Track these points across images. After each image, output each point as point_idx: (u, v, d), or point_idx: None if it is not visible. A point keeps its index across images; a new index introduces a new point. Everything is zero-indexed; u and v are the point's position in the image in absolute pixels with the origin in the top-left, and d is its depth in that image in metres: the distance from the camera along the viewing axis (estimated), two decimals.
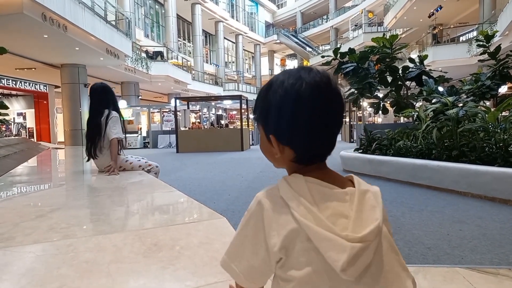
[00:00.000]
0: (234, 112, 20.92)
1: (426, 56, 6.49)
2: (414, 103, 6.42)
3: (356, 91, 6.27)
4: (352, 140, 14.37)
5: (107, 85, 3.59)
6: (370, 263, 0.56)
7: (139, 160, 3.64)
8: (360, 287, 0.56)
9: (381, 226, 0.58)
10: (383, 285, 0.57)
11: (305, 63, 39.18)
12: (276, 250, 0.58)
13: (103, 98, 3.45)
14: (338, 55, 6.12)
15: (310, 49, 37.84)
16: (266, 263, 0.61)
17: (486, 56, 5.92)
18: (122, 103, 17.34)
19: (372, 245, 0.56)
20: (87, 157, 3.51)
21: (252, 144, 14.98)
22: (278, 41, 39.83)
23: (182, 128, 13.65)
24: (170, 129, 15.96)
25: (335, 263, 0.54)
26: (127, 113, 17.06)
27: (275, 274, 0.63)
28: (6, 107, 5.13)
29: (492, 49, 5.90)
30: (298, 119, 0.60)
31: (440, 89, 5.83)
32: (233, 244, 0.65)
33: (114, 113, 3.39)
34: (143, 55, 18.48)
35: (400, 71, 6.13)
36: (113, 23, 13.62)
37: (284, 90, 0.61)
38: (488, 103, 6.52)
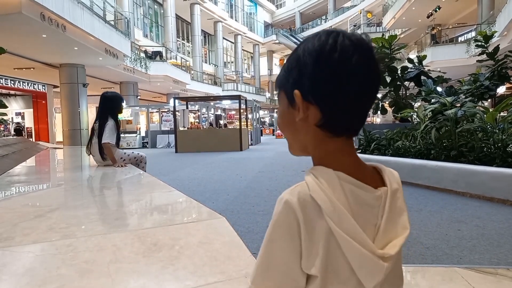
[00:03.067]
0: (233, 112, 20.95)
1: (424, 57, 6.51)
2: (413, 103, 6.43)
3: None
4: None
5: (112, 95, 4.03)
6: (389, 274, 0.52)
7: (133, 153, 4.25)
8: None
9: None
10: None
11: None
12: (318, 266, 0.50)
13: (103, 107, 3.92)
14: None
15: None
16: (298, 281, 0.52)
17: (484, 56, 5.94)
18: None
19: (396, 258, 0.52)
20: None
21: (251, 144, 14.98)
22: (277, 41, 39.85)
23: (181, 128, 13.66)
24: (169, 129, 15.95)
25: (368, 283, 0.50)
26: (125, 113, 17.04)
27: None
28: (5, 106, 5.12)
29: (490, 49, 5.92)
30: (335, 75, 0.51)
31: (439, 89, 5.84)
32: (260, 267, 0.54)
33: (110, 121, 3.85)
34: (142, 55, 18.46)
35: (399, 71, 6.15)
36: (112, 23, 13.60)
37: (329, 46, 0.52)
38: (486, 104, 6.54)
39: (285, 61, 0.59)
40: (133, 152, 4.26)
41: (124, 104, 4.25)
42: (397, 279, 0.56)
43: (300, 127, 0.55)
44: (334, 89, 0.52)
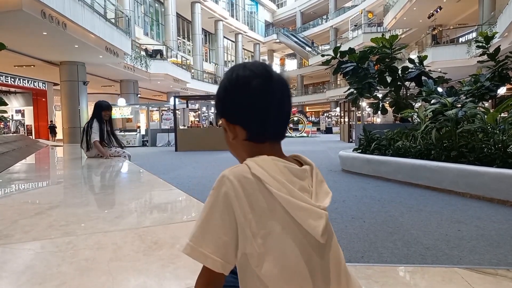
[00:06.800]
0: None
1: (425, 57, 6.51)
2: (414, 104, 6.43)
3: (355, 91, 6.27)
4: (351, 140, 14.37)
5: (99, 103, 5.20)
6: (330, 229, 0.66)
7: (118, 152, 5.38)
8: (326, 250, 0.65)
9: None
10: (339, 246, 0.69)
11: (304, 62, 39.21)
12: (254, 228, 0.60)
13: (94, 112, 5.09)
14: (338, 54, 6.12)
15: (310, 49, 37.85)
16: (235, 240, 0.61)
17: (485, 57, 5.94)
18: (121, 101, 17.30)
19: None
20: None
21: None
22: (277, 40, 39.83)
23: (181, 127, 13.65)
24: (169, 127, 15.92)
25: (316, 230, 0.61)
26: (126, 111, 17.03)
27: (247, 260, 0.62)
28: (5, 104, 5.15)
29: (491, 50, 5.91)
30: (243, 101, 0.67)
31: (440, 89, 5.83)
32: (200, 227, 0.62)
33: (95, 123, 4.96)
34: (143, 53, 18.44)
35: (400, 72, 6.14)
36: (113, 21, 13.58)
37: (232, 78, 0.69)
38: (487, 104, 6.54)
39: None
40: (118, 152, 5.38)
41: (109, 109, 5.22)
42: (331, 234, 0.68)
43: (236, 144, 0.71)
44: (246, 109, 0.67)
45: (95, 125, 4.95)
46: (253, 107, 0.67)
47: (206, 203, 0.63)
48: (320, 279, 0.63)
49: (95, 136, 4.93)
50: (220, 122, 0.73)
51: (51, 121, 19.59)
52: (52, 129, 19.23)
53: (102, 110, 5.15)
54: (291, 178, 0.64)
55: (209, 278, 0.63)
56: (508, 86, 7.53)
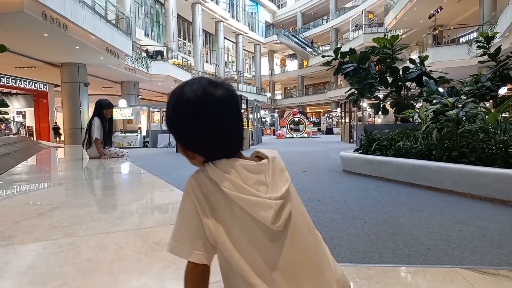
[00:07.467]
0: None
1: (426, 57, 6.50)
2: (414, 104, 6.42)
3: (356, 92, 6.27)
4: (352, 140, 14.36)
5: (100, 101, 5.30)
6: (290, 215, 0.69)
7: (115, 151, 5.54)
8: (287, 238, 0.68)
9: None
10: (304, 231, 0.71)
11: (305, 63, 39.22)
12: (212, 228, 0.67)
13: (95, 110, 5.22)
14: (339, 55, 6.12)
15: (310, 49, 37.86)
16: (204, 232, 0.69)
17: (486, 57, 5.93)
18: (122, 102, 17.32)
19: (288, 199, 0.69)
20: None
21: (252, 144, 14.98)
22: (278, 41, 39.83)
23: None
24: None
25: (266, 219, 0.65)
26: (126, 113, 17.04)
27: (221, 251, 0.70)
28: (7, 105, 5.20)
29: (492, 50, 5.90)
30: (190, 131, 0.70)
31: (441, 90, 5.83)
32: (176, 228, 0.71)
33: (96, 120, 5.09)
34: (143, 54, 18.46)
35: (401, 72, 6.14)
36: (114, 22, 13.61)
37: (172, 108, 0.72)
38: (488, 104, 6.53)
39: None
40: (115, 151, 5.53)
41: (111, 108, 5.38)
42: (302, 217, 0.73)
43: (196, 163, 0.75)
44: (195, 139, 0.70)
45: (97, 123, 5.09)
46: (201, 138, 0.70)
47: (180, 203, 0.71)
48: (282, 267, 0.67)
49: (96, 134, 5.06)
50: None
51: (56, 123, 19.61)
52: (56, 130, 19.26)
53: (103, 108, 5.21)
54: (246, 174, 0.69)
55: (195, 272, 0.70)
56: (509, 86, 7.52)
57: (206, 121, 0.68)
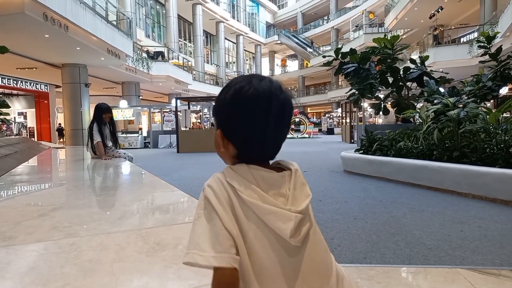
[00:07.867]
0: None
1: (427, 57, 6.50)
2: (415, 104, 6.42)
3: (357, 92, 6.27)
4: (352, 141, 14.35)
5: (98, 105, 5.36)
6: (308, 231, 0.66)
7: (119, 153, 5.60)
8: (301, 252, 0.66)
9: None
10: (320, 248, 0.69)
11: (305, 63, 39.22)
12: (234, 232, 0.63)
13: (94, 115, 5.31)
14: (339, 55, 6.12)
15: (311, 50, 37.85)
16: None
17: (487, 57, 5.92)
18: (122, 103, 17.34)
19: (308, 216, 0.67)
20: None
21: None
22: (278, 41, 39.84)
23: (183, 128, 13.63)
24: (170, 129, 15.94)
25: (284, 231, 0.63)
26: (127, 113, 17.06)
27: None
28: (8, 106, 5.21)
29: (493, 50, 5.90)
30: (240, 120, 0.67)
31: (441, 90, 5.82)
32: (196, 235, 0.63)
33: (95, 126, 5.18)
34: (144, 55, 18.48)
35: (401, 72, 6.13)
36: (114, 23, 13.63)
37: (234, 91, 0.68)
38: (489, 104, 6.52)
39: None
40: (119, 153, 5.62)
41: (108, 112, 5.39)
42: (319, 235, 0.70)
43: (224, 152, 0.72)
44: (243, 131, 0.68)
45: (95, 127, 5.24)
46: (250, 132, 0.67)
47: (195, 214, 0.66)
48: (295, 280, 0.65)
49: (96, 137, 5.22)
50: (215, 129, 0.74)
51: (60, 124, 19.64)
52: (61, 132, 19.27)
53: (102, 112, 5.31)
54: (265, 183, 0.67)
55: (225, 278, 0.61)
56: (510, 86, 7.51)
57: (261, 116, 0.66)
